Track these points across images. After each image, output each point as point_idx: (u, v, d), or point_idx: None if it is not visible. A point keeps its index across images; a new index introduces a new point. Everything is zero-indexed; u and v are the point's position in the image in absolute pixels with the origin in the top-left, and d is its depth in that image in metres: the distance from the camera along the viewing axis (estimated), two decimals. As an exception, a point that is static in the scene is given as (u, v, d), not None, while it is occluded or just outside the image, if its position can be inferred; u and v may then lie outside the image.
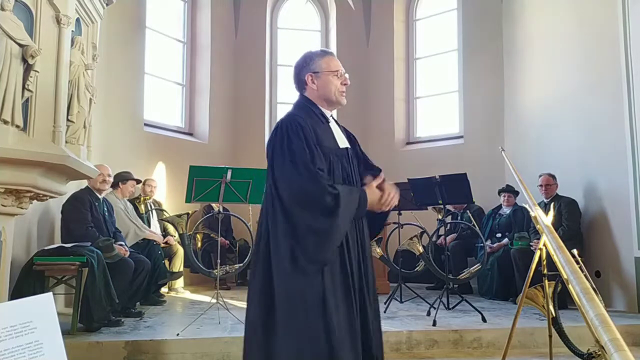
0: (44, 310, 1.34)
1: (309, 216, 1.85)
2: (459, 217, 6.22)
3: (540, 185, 5.21)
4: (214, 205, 5.85)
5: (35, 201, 2.88)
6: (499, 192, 5.92)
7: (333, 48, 7.89)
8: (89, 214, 4.20)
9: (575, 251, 2.46)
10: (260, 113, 7.67)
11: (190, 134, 7.33)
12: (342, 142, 2.08)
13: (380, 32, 7.98)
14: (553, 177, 5.23)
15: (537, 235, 4.56)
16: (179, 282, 5.93)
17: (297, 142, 1.91)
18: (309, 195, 1.86)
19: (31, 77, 2.48)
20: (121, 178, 5.04)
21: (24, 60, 2.44)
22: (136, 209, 5.37)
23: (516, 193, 5.81)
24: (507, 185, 5.94)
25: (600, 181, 5.01)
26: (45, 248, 3.88)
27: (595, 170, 5.06)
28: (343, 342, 1.82)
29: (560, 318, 3.11)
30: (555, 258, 1.96)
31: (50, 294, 1.40)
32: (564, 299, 4.38)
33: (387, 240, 5.26)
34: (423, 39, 8.00)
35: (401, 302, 4.93)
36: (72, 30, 2.80)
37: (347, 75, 2.14)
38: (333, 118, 2.17)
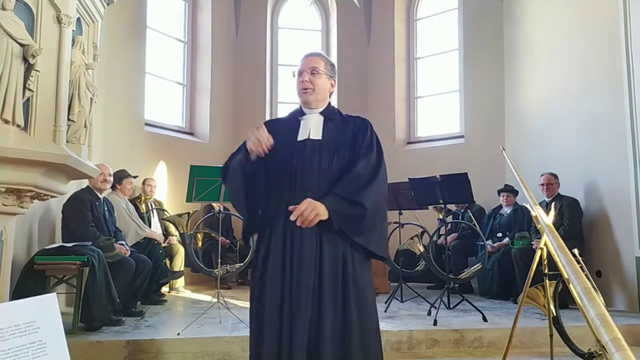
0: (48, 310, 1.34)
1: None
2: (459, 217, 6.22)
3: (542, 185, 5.21)
4: (214, 204, 5.86)
5: (36, 201, 2.88)
6: (498, 192, 5.92)
7: (334, 47, 7.91)
8: (89, 213, 4.20)
9: (576, 251, 2.46)
10: (260, 113, 7.65)
11: (191, 134, 7.33)
12: (304, 135, 2.11)
13: (381, 32, 7.98)
14: (555, 176, 5.22)
15: (538, 234, 4.56)
16: (180, 282, 5.93)
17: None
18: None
19: (32, 76, 2.47)
20: (116, 179, 4.88)
21: (25, 59, 2.44)
22: (137, 208, 5.37)
23: (515, 192, 5.81)
24: (506, 185, 5.94)
25: (601, 181, 5.00)
26: (46, 247, 3.88)
27: (596, 169, 5.05)
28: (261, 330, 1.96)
29: (561, 318, 3.11)
30: (556, 258, 1.95)
31: (54, 294, 1.41)
32: (564, 299, 4.37)
33: (388, 240, 5.25)
34: (424, 39, 7.99)
35: (402, 301, 4.93)
36: (73, 30, 2.80)
37: (305, 74, 2.13)
38: (324, 114, 2.17)
